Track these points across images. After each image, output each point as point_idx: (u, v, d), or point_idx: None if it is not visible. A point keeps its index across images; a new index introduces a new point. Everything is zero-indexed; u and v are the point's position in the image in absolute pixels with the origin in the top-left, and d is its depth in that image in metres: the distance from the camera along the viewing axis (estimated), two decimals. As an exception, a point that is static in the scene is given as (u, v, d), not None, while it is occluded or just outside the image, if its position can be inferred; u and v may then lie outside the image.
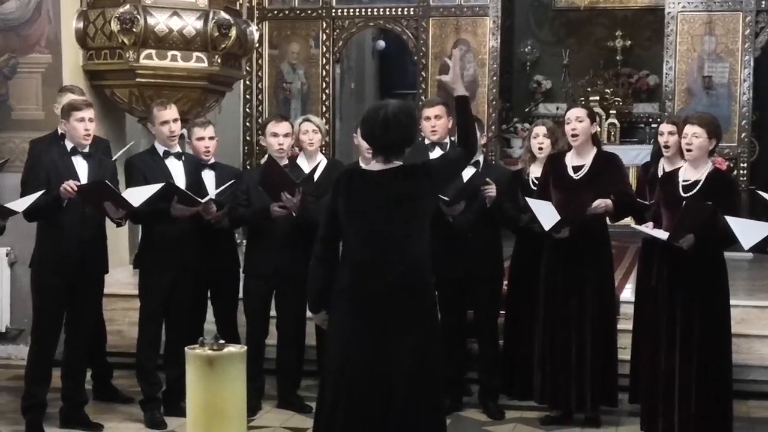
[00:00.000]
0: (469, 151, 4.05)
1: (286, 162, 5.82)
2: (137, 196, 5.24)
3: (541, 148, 5.89)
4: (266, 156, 6.03)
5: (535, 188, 5.71)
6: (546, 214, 5.30)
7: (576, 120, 5.47)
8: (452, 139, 5.82)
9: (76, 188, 5.10)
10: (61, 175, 5.20)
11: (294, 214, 5.52)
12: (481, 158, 5.76)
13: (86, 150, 5.37)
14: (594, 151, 5.54)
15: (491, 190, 5.54)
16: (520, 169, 6.15)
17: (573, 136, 5.47)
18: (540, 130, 5.95)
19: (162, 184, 5.28)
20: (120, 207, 5.20)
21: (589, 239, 5.44)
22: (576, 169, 5.49)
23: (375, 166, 3.95)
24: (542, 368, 5.55)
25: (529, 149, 6.02)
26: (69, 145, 5.35)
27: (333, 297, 3.94)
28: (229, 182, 5.65)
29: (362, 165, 4.61)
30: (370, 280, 3.84)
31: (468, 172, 5.42)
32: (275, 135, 5.76)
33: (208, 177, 5.81)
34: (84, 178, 5.27)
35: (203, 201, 5.40)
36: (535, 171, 5.88)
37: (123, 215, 5.28)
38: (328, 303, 3.98)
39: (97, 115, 5.56)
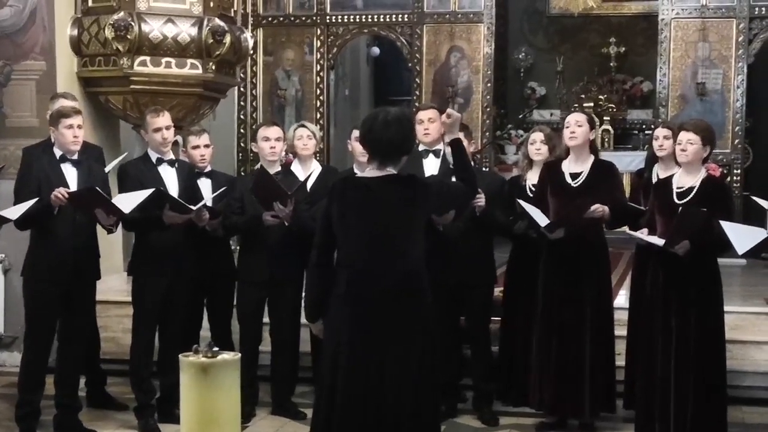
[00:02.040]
0: (471, 188, 4.13)
1: (279, 168, 5.82)
2: (127, 202, 5.22)
3: (538, 153, 5.87)
4: (259, 164, 6.03)
5: (532, 196, 5.71)
6: (540, 214, 5.31)
7: (575, 124, 5.48)
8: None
9: (66, 195, 5.10)
10: (52, 183, 5.19)
11: (286, 224, 5.51)
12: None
13: (75, 157, 5.36)
14: (591, 158, 5.54)
15: (480, 200, 5.51)
16: (517, 176, 6.14)
17: (571, 138, 5.47)
18: (537, 136, 5.94)
19: (152, 190, 5.27)
20: (111, 213, 5.19)
21: (586, 245, 5.44)
22: (573, 176, 5.48)
23: (369, 173, 3.96)
24: (539, 374, 5.54)
25: (526, 155, 5.99)
26: (58, 152, 5.34)
27: (329, 301, 3.94)
28: (221, 189, 5.65)
29: (357, 172, 4.61)
30: (366, 285, 3.84)
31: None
32: (267, 139, 5.75)
33: (205, 185, 5.81)
34: (73, 186, 5.25)
35: (195, 208, 5.39)
36: (533, 177, 5.84)
37: (114, 222, 5.27)
38: (326, 311, 3.98)
39: (91, 122, 5.56)
